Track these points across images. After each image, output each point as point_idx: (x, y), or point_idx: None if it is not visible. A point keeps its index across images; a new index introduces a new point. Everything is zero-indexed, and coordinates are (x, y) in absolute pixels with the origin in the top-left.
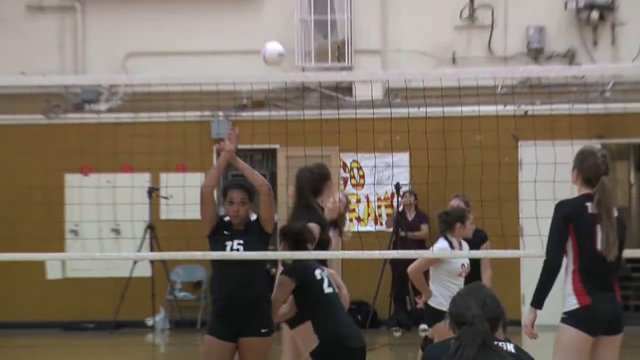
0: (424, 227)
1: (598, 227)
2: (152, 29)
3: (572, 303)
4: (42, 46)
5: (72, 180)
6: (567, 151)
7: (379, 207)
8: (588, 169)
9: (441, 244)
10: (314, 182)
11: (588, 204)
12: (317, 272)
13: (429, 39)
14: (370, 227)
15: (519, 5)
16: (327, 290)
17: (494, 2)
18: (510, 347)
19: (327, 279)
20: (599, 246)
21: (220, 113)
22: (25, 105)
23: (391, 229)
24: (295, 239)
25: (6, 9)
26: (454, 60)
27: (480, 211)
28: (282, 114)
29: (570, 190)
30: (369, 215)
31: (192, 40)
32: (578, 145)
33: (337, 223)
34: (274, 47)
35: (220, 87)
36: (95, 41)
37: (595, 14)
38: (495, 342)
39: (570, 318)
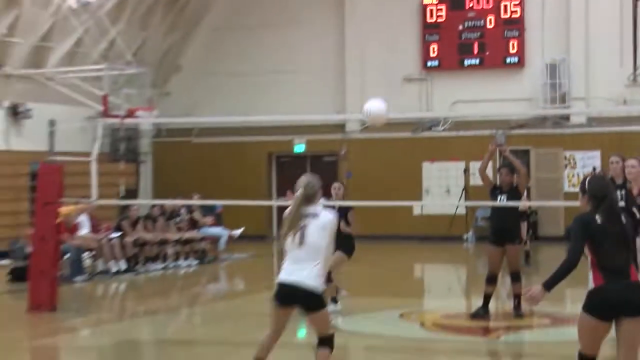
0: None
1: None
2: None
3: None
4: (411, 97)
5: (425, 166)
6: None
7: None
8: None
9: None
10: None
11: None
12: None
13: (611, 90)
14: None
15: None
16: None
17: None
18: (624, 219)
19: None
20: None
21: (501, 131)
22: (401, 128)
23: None
24: None
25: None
26: (624, 102)
27: None
28: (532, 131)
29: None
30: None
31: (488, 92)
32: None
33: None
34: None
35: (502, 117)
36: (438, 94)
37: None
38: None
39: None
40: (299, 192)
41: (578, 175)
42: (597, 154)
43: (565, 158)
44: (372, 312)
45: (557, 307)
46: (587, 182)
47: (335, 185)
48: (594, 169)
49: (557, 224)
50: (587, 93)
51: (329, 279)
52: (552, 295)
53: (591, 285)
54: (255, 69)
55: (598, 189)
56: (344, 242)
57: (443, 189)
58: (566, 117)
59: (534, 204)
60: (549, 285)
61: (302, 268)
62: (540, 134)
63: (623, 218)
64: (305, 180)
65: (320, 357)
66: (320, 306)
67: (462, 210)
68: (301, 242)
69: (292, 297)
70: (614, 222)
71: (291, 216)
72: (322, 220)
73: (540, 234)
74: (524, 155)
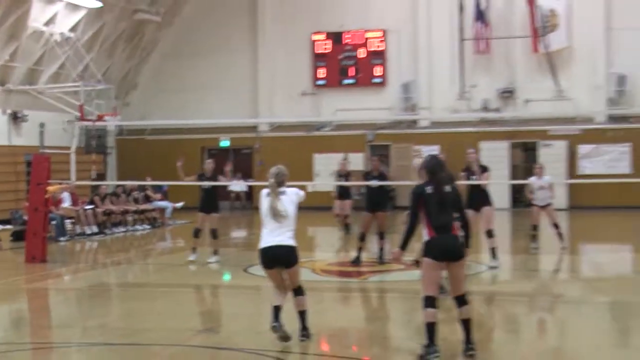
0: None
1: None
2: None
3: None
4: (305, 105)
5: (316, 156)
6: None
7: None
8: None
9: None
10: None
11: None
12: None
13: (446, 102)
14: None
15: None
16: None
17: None
18: (449, 188)
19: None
20: None
21: (370, 131)
22: (298, 129)
23: None
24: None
25: (290, 92)
26: (455, 111)
27: None
28: (392, 131)
29: None
30: None
31: (361, 101)
32: None
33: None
34: None
35: (370, 121)
36: (324, 102)
37: None
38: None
39: None
40: (272, 180)
41: None
42: (437, 147)
43: (415, 150)
44: None
45: (408, 256)
46: (425, 160)
47: (208, 160)
48: None
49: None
50: (430, 104)
51: (215, 235)
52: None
53: (425, 238)
54: (192, 85)
55: (431, 166)
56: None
57: (329, 172)
58: (415, 122)
59: (394, 183)
60: (402, 246)
61: (279, 234)
62: (397, 134)
63: (448, 188)
64: (275, 170)
65: (299, 302)
66: (296, 261)
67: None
68: (275, 214)
69: (275, 257)
70: (440, 191)
71: (271, 198)
72: (289, 196)
73: (398, 205)
74: (386, 148)
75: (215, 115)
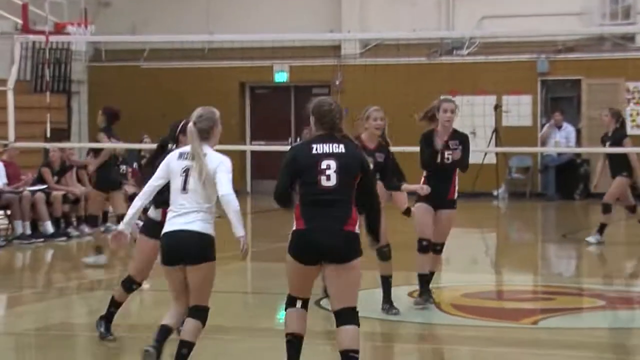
0: None
1: None
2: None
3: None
4: (426, 11)
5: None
6: None
7: None
8: None
9: None
10: None
11: None
12: None
13: None
14: None
15: None
16: None
17: None
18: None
19: None
20: None
21: (543, 55)
22: (413, 52)
23: None
24: None
25: None
26: None
27: None
28: (585, 56)
29: None
30: None
31: (528, 5)
32: None
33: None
34: None
35: (544, 37)
36: (462, 7)
37: None
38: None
39: None
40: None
41: None
42: None
43: (629, 91)
44: None
45: (612, 285)
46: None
47: None
48: None
49: None
50: None
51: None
52: (603, 270)
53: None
54: None
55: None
56: None
57: (467, 130)
58: (630, 37)
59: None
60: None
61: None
62: (595, 59)
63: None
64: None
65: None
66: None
67: (491, 159)
68: (184, 188)
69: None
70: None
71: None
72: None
73: None
74: (574, 86)
75: (263, 26)
